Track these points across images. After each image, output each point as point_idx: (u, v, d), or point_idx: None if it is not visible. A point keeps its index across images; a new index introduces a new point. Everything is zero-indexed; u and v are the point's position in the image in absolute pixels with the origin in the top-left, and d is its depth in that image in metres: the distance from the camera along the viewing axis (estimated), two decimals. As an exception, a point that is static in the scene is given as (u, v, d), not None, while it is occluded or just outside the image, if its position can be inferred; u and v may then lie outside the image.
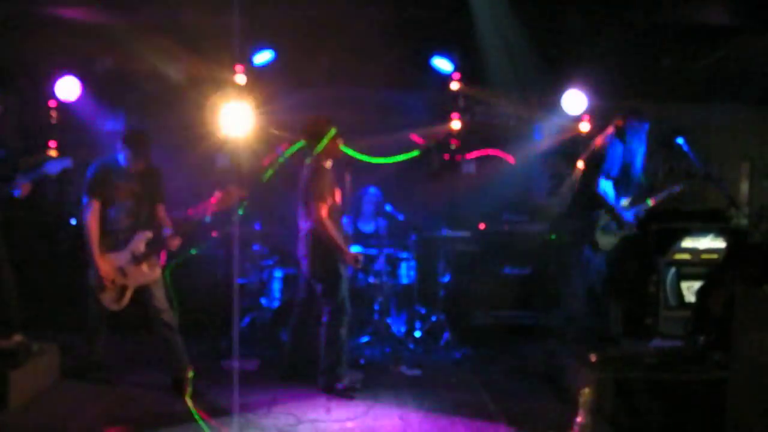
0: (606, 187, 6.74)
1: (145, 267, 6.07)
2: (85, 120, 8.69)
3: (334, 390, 6.14)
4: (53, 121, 8.77)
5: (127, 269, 6.05)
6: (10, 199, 6.07)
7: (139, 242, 6.06)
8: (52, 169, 6.13)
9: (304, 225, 6.33)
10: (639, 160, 6.97)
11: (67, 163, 6.20)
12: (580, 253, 6.91)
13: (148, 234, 6.09)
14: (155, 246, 6.09)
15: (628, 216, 6.85)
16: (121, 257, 6.04)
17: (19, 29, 8.40)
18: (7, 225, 6.27)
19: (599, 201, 6.77)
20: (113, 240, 6.07)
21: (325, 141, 6.24)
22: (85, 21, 8.52)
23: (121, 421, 5.45)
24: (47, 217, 8.58)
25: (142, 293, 6.13)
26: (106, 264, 6.02)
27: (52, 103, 8.73)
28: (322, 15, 8.33)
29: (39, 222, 8.44)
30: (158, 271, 6.14)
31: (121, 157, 6.09)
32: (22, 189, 5.99)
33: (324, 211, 6.10)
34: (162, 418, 5.53)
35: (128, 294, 6.10)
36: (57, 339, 6.58)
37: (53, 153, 8.65)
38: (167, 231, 6.09)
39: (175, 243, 6.07)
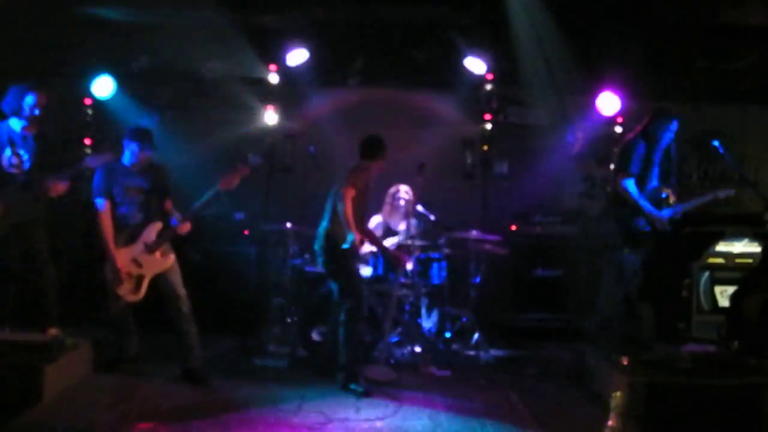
0: (627, 185, 6.65)
1: (158, 255, 6.31)
2: (119, 118, 8.79)
3: (351, 388, 6.19)
4: (89, 119, 8.88)
5: (141, 259, 6.27)
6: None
7: (150, 232, 6.31)
8: (93, 162, 6.33)
9: (323, 223, 6.57)
10: (671, 159, 6.87)
11: (109, 157, 6.36)
12: (616, 254, 6.82)
13: (158, 224, 6.35)
14: (166, 234, 6.33)
15: (662, 213, 6.72)
16: (135, 248, 6.29)
17: (56, 28, 8.52)
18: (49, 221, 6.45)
19: (624, 198, 6.68)
20: (128, 235, 6.33)
21: (376, 159, 6.68)
22: (120, 20, 8.64)
23: (152, 416, 5.48)
24: (82, 214, 8.68)
25: (158, 281, 6.31)
26: (120, 257, 6.25)
27: (87, 101, 8.84)
28: (356, 15, 8.36)
29: (73, 218, 8.54)
30: (172, 258, 6.36)
31: (126, 156, 6.37)
32: (52, 188, 6.14)
33: (349, 193, 6.37)
34: (193, 413, 5.55)
35: (145, 283, 6.29)
36: (91, 333, 6.66)
37: (88, 151, 8.77)
38: (175, 221, 6.35)
39: (185, 228, 6.37)
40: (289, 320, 7.64)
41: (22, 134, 6.19)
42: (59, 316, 6.40)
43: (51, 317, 6.32)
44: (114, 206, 6.33)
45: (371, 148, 6.71)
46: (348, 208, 6.33)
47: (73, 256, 8.38)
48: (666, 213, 6.70)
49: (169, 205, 6.47)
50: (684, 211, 6.77)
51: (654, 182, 6.78)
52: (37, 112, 6.19)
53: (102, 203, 6.30)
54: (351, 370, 6.29)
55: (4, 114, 6.21)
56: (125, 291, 6.26)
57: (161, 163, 6.60)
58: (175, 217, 6.38)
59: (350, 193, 6.37)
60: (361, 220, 6.67)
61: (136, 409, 5.61)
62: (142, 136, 6.37)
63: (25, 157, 6.16)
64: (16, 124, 6.19)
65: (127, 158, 6.39)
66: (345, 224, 6.33)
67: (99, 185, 6.32)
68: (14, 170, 6.13)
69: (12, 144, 6.13)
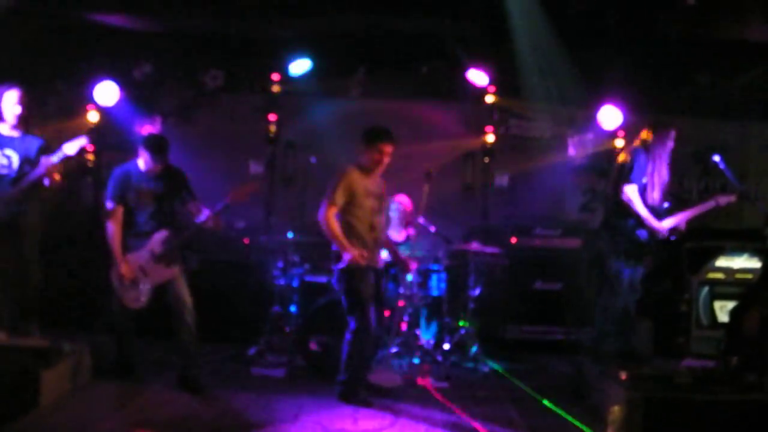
0: (630, 193, 6.61)
1: (164, 264, 6.25)
2: (122, 124, 8.82)
3: (349, 401, 6.17)
4: (91, 125, 8.89)
5: (147, 267, 6.24)
6: (40, 192, 6.25)
7: (157, 241, 6.24)
8: (70, 149, 6.23)
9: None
10: (665, 170, 6.84)
11: (83, 141, 6.31)
12: (613, 267, 6.79)
13: (166, 233, 6.26)
14: (174, 243, 6.25)
15: (663, 224, 6.68)
16: (141, 256, 6.24)
17: (60, 35, 8.56)
18: (44, 225, 6.50)
19: (626, 209, 6.65)
20: (139, 241, 6.28)
21: (369, 148, 6.24)
22: (124, 28, 8.68)
23: (149, 424, 5.46)
24: (83, 220, 8.71)
25: (164, 290, 6.28)
26: (126, 264, 6.22)
27: (91, 108, 8.86)
28: (358, 26, 8.39)
29: (75, 224, 8.56)
30: (178, 268, 6.30)
31: (141, 162, 6.31)
32: (47, 171, 6.14)
33: (328, 211, 6.05)
34: (190, 422, 5.55)
35: (150, 292, 6.27)
36: (89, 340, 6.65)
37: (90, 157, 8.82)
38: (203, 217, 6.22)
39: (218, 223, 6.24)
40: (287, 329, 7.63)
41: (8, 135, 6.26)
42: (60, 322, 6.41)
43: (31, 315, 6.36)
44: (127, 211, 6.30)
45: (365, 137, 6.28)
46: (331, 226, 6.01)
47: (72, 260, 8.38)
48: (667, 223, 6.67)
49: (193, 206, 6.36)
50: (687, 219, 6.74)
51: (654, 194, 6.75)
52: (19, 109, 6.23)
53: (113, 209, 6.27)
54: (350, 385, 6.23)
55: None
56: (129, 298, 6.25)
57: (177, 167, 6.48)
58: (203, 214, 6.23)
59: (330, 211, 6.05)
60: (371, 228, 6.27)
61: (133, 417, 5.59)
62: (155, 146, 6.23)
63: (14, 156, 6.23)
64: (1, 127, 6.26)
65: (141, 164, 6.33)
66: (336, 244, 6.08)
67: (111, 189, 6.29)
68: (4, 171, 6.21)
69: None
